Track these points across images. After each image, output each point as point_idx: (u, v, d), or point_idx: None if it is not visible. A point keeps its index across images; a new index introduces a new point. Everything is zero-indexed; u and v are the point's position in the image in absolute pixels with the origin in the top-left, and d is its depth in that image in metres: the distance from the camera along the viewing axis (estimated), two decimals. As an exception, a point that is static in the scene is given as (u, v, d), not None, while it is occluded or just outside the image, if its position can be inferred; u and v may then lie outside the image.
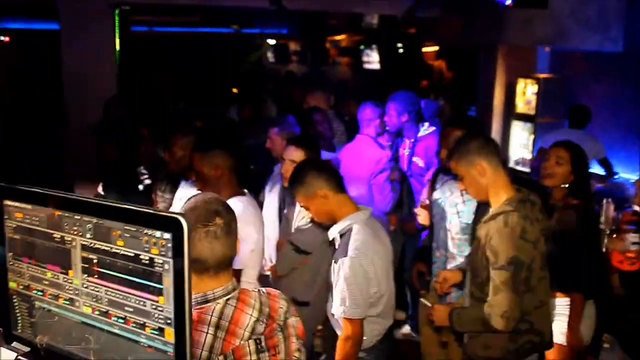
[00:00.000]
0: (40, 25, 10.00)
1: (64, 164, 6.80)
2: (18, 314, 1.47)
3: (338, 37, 12.95)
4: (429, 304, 2.80)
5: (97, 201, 1.26)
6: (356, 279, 2.52)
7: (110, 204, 1.23)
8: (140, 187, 4.02)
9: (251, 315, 1.72)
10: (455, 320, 2.57)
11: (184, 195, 3.38)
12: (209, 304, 1.69)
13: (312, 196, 2.62)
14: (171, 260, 1.15)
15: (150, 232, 1.17)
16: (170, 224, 1.13)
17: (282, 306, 1.82)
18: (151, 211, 1.17)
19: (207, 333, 1.66)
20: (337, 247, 2.68)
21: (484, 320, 2.45)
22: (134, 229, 1.20)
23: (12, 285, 1.47)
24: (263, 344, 1.72)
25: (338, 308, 2.57)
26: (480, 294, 2.51)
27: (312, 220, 2.84)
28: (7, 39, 11.66)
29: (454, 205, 3.34)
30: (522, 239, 2.42)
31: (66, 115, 6.66)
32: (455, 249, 3.34)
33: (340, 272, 2.55)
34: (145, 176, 4.05)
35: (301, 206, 2.75)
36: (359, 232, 2.58)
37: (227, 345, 1.67)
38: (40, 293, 1.42)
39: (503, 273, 2.39)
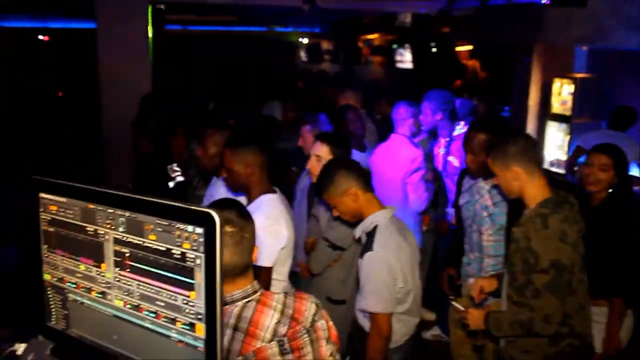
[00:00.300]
0: (78, 25, 10.19)
1: (100, 160, 6.92)
2: (52, 306, 1.49)
3: (371, 36, 12.88)
4: (461, 308, 2.76)
5: (130, 195, 1.26)
6: (382, 273, 2.53)
7: (143, 198, 1.23)
8: (171, 184, 4.04)
9: (272, 317, 1.72)
10: (493, 324, 2.52)
11: (215, 193, 3.39)
12: (227, 307, 1.70)
13: (342, 195, 2.63)
14: (203, 255, 1.15)
15: (182, 226, 1.17)
16: (202, 218, 1.13)
17: (309, 309, 1.80)
18: (184, 205, 1.16)
19: (224, 335, 1.65)
20: (363, 244, 2.69)
21: (524, 324, 2.40)
22: (167, 223, 1.20)
23: (46, 277, 1.49)
24: (287, 346, 1.71)
25: (365, 303, 2.58)
26: (518, 297, 2.46)
27: (337, 218, 2.83)
28: (46, 38, 11.92)
29: (485, 208, 3.31)
30: (563, 241, 2.36)
31: (102, 112, 6.77)
32: (491, 251, 3.31)
33: (366, 267, 2.56)
34: (178, 173, 4.07)
35: (329, 205, 2.74)
36: (383, 229, 2.59)
37: (246, 346, 1.67)
38: (74, 285, 1.43)
39: (544, 276, 2.34)
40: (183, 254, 1.18)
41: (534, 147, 2.60)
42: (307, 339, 1.75)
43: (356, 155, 3.83)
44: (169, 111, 5.29)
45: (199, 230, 1.14)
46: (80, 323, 1.45)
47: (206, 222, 1.12)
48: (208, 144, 3.41)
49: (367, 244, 2.60)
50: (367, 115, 5.70)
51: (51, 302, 1.49)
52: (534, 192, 2.49)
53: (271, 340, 1.69)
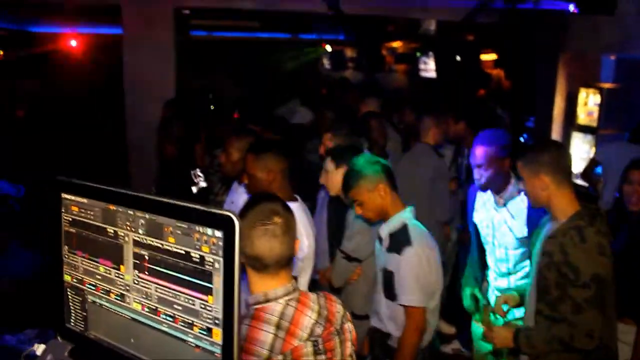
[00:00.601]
0: (105, 30, 10.34)
1: (125, 165, 6.98)
2: (71, 308, 1.49)
3: (394, 44, 12.85)
4: (482, 326, 2.71)
5: (150, 197, 1.26)
6: (422, 266, 2.58)
7: (163, 199, 1.22)
8: (194, 189, 4.06)
9: (310, 317, 1.77)
10: (524, 341, 2.45)
11: (236, 199, 3.39)
12: (269, 304, 1.74)
13: (372, 190, 2.66)
14: (222, 259, 1.13)
15: (201, 229, 1.16)
16: (222, 221, 1.11)
17: (339, 311, 1.87)
18: (203, 208, 1.15)
19: (268, 332, 1.70)
20: (387, 243, 2.70)
21: (564, 340, 2.33)
22: (186, 226, 1.19)
23: (66, 278, 1.49)
24: (320, 346, 1.76)
25: (407, 299, 2.60)
26: (550, 312, 2.39)
27: (358, 216, 2.85)
28: (74, 43, 12.11)
29: (504, 223, 3.27)
30: (601, 254, 2.31)
31: (126, 116, 6.84)
32: (519, 264, 3.27)
33: (407, 262, 2.58)
34: (201, 178, 4.09)
35: (354, 201, 2.74)
36: (414, 226, 2.65)
37: (286, 345, 1.71)
38: (93, 287, 1.43)
39: (586, 291, 2.28)
40: (202, 257, 1.17)
41: (566, 158, 2.54)
42: (337, 340, 1.82)
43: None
44: (193, 117, 5.31)
45: (218, 233, 1.13)
46: (98, 325, 1.44)
47: (226, 226, 1.11)
48: (231, 150, 3.42)
49: (400, 240, 2.63)
50: (389, 124, 5.67)
51: (70, 304, 1.49)
52: (563, 204, 2.44)
53: (307, 340, 1.73)
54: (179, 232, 1.20)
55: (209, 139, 4.68)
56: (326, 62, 13.71)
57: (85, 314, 1.46)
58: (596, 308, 2.29)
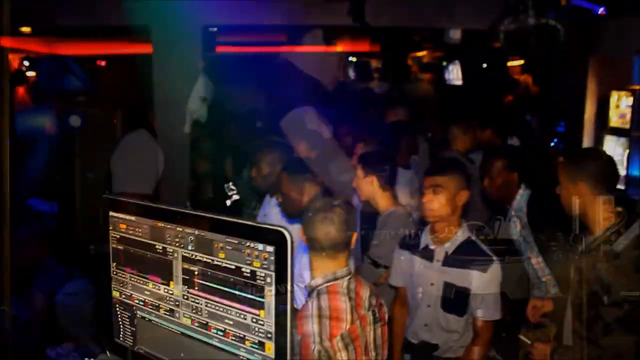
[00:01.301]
0: (135, 50, 10.52)
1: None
2: (120, 323, 1.52)
3: (420, 54, 12.81)
4: (528, 341, 2.65)
5: (199, 213, 1.28)
6: (500, 280, 2.65)
7: (213, 216, 1.24)
8: (228, 202, 4.09)
9: (366, 290, 2.10)
10: None
11: (269, 212, 3.40)
12: (338, 281, 2.04)
13: (459, 189, 2.67)
14: (273, 274, 1.15)
15: (252, 244, 1.17)
16: (273, 237, 1.13)
17: (373, 288, 2.21)
18: (254, 224, 1.17)
19: (346, 301, 1.99)
20: (443, 257, 2.68)
21: None
22: (236, 242, 1.20)
23: (115, 294, 1.52)
24: (377, 315, 2.10)
25: (489, 313, 2.64)
26: (585, 332, 2.31)
27: (422, 213, 2.87)
28: (104, 63, 12.32)
29: (519, 235, 3.29)
30: (636, 271, 2.20)
31: (157, 133, 6.93)
32: (547, 271, 3.23)
33: (495, 275, 2.63)
34: (234, 191, 4.12)
35: (435, 186, 2.69)
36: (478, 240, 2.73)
37: (357, 314, 2.00)
38: (142, 303, 1.45)
39: (616, 310, 2.19)
40: (253, 272, 1.19)
41: (610, 170, 2.44)
42: (385, 309, 2.16)
43: (402, 173, 3.80)
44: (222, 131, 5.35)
45: (270, 248, 1.14)
46: (147, 340, 1.47)
47: (277, 241, 1.12)
48: (261, 164, 3.43)
49: (480, 257, 2.65)
50: (417, 133, 5.64)
51: (119, 319, 1.52)
52: (598, 216, 2.35)
53: (369, 310, 2.06)
54: (229, 247, 1.22)
55: (236, 152, 4.71)
56: (351, 73, 13.69)
57: (134, 329, 1.49)
58: (628, 330, 2.19)
